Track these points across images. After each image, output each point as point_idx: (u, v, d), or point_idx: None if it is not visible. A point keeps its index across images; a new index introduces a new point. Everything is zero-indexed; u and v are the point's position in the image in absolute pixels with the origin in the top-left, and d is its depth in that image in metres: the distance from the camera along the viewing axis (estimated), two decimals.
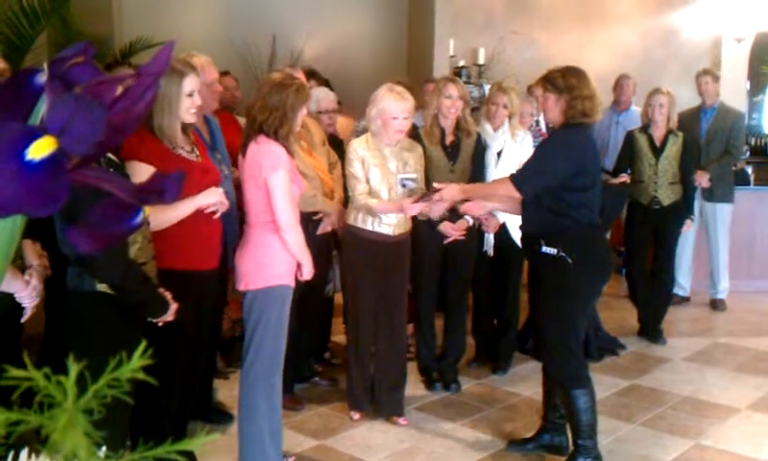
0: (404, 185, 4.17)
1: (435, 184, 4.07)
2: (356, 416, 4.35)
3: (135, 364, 0.54)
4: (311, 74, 5.62)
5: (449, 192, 3.93)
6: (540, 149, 3.81)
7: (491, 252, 4.99)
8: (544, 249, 3.60)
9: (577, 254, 3.56)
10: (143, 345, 0.58)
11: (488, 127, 4.96)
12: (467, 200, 4.01)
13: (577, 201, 3.60)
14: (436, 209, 4.24)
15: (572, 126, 3.66)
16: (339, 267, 4.74)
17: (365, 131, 4.52)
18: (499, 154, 4.93)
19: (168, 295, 2.91)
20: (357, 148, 4.18)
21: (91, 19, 7.01)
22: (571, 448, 3.76)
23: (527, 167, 3.71)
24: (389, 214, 4.12)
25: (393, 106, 4.06)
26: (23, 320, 2.74)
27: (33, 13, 6.28)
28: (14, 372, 0.58)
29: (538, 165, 3.66)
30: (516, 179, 3.64)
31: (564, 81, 3.65)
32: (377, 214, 4.11)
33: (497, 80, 5.22)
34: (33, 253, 2.79)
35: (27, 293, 2.64)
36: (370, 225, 4.16)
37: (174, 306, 2.91)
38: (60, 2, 6.40)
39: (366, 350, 4.35)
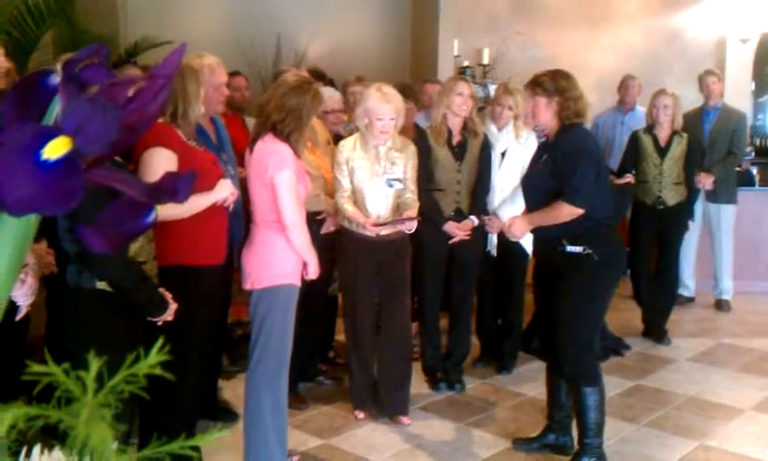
0: (390, 185, 4.16)
1: (404, 220, 4.08)
2: (360, 415, 4.35)
3: (152, 360, 0.55)
4: (319, 75, 5.61)
5: (519, 228, 3.88)
6: (566, 160, 3.68)
7: (494, 252, 4.99)
8: (569, 248, 3.62)
9: (601, 250, 3.59)
10: (160, 341, 0.59)
11: (492, 127, 4.97)
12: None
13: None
14: (408, 229, 4.18)
15: (570, 127, 3.67)
16: None
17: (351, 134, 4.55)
18: (503, 154, 4.94)
19: (168, 295, 2.92)
20: (343, 150, 4.19)
21: (96, 19, 7.03)
22: (576, 446, 3.76)
23: (571, 183, 3.61)
24: (370, 216, 4.13)
25: (378, 106, 4.04)
26: (17, 318, 2.75)
27: (38, 13, 6.30)
28: (36, 367, 0.59)
29: (578, 176, 3.61)
30: (572, 199, 3.59)
31: (554, 83, 3.66)
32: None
33: (503, 80, 5.22)
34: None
35: (22, 292, 2.65)
36: (354, 226, 4.18)
37: (173, 306, 2.92)
38: (66, 1, 6.42)
39: (367, 348, 4.33)
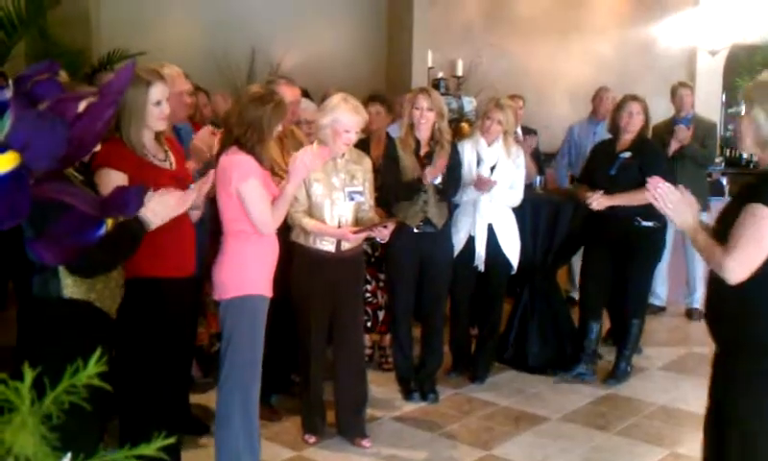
0: (352, 199, 4.01)
1: (387, 223, 4.01)
2: (312, 439, 4.20)
3: (91, 371, 0.56)
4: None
5: (600, 201, 4.93)
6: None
7: (481, 267, 4.98)
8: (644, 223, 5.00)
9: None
10: (98, 352, 0.60)
11: (482, 141, 5.00)
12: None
13: None
14: (382, 236, 4.07)
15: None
16: None
17: None
18: (493, 169, 4.96)
19: (144, 211, 2.73)
20: None
21: (69, 30, 7.00)
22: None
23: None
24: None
25: (347, 118, 3.90)
26: None
27: (10, 24, 6.26)
28: None
29: None
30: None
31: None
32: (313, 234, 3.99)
33: (493, 96, 5.24)
34: None
35: None
36: (311, 242, 4.00)
37: (146, 206, 2.74)
38: (38, 13, 6.39)
39: (318, 369, 4.19)
